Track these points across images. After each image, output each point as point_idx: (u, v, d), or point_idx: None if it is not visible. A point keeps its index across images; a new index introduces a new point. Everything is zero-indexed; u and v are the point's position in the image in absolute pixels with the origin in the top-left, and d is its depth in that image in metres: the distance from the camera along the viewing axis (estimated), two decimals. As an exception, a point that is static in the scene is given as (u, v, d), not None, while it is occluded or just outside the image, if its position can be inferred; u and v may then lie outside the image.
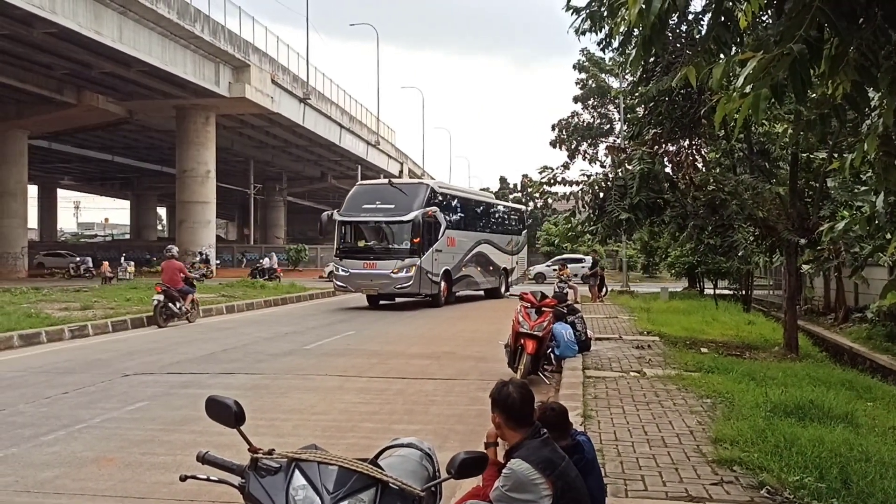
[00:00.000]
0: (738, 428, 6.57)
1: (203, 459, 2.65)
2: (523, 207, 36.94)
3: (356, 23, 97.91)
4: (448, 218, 24.81)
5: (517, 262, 31.72)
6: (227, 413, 2.62)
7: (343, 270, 23.14)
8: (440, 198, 24.57)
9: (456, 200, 26.59)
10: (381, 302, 24.36)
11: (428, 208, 22.89)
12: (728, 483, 5.35)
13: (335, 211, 23.83)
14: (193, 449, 6.30)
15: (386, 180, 25.55)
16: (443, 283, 23.87)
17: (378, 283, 22.58)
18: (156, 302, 17.01)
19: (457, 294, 25.77)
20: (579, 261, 40.27)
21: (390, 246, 22.93)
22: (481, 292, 28.22)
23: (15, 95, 38.12)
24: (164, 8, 32.24)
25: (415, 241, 22.32)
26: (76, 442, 6.93)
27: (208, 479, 2.69)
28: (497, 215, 31.09)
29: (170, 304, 17.27)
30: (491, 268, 28.19)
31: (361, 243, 23.48)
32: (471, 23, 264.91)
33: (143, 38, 32.48)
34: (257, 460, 2.53)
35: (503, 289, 29.12)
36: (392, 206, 22.91)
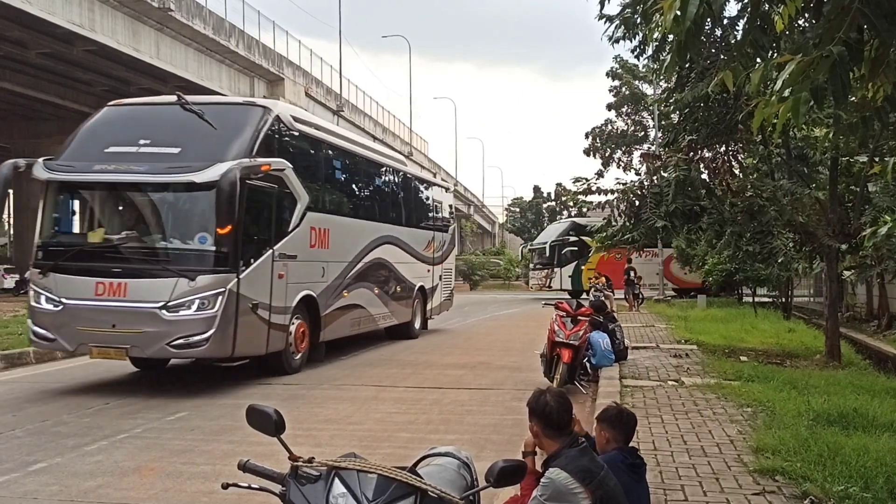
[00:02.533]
0: (780, 437, 6.46)
1: (244, 468, 2.68)
2: (450, 186, 22.55)
3: (388, 35, 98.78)
4: (313, 187, 12.32)
5: (443, 278, 19.60)
6: (267, 422, 2.65)
7: (49, 300, 10.20)
8: (292, 141, 11.85)
9: (329, 152, 13.55)
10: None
11: (261, 160, 10.34)
12: (770, 493, 5.26)
13: (43, 161, 11.01)
14: (232, 458, 6.38)
15: (173, 96, 11.46)
16: (296, 326, 11.64)
17: (129, 332, 9.81)
18: None
19: (329, 341, 13.18)
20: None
21: (162, 244, 10.47)
22: (379, 329, 15.75)
23: (55, 112, 38.94)
24: (200, 24, 32.76)
25: (223, 231, 9.79)
26: (118, 452, 7.03)
27: (249, 488, 2.71)
28: (409, 194, 17.73)
29: None
30: (398, 288, 16.14)
31: (96, 237, 10.76)
32: (502, 34, 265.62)
33: (179, 54, 33.02)
34: (297, 468, 2.55)
35: (418, 323, 17.49)
36: (174, 151, 10.36)
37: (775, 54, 4.76)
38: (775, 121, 3.94)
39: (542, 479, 3.34)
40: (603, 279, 26.08)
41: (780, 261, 13.02)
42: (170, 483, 6.06)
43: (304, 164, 12.22)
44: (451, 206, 21.47)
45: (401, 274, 16.40)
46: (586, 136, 42.96)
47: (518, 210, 79.97)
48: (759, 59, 4.68)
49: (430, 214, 19.27)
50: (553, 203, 69.62)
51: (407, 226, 17.12)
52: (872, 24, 3.48)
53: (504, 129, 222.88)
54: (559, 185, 69.54)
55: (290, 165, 11.22)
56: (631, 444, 4.22)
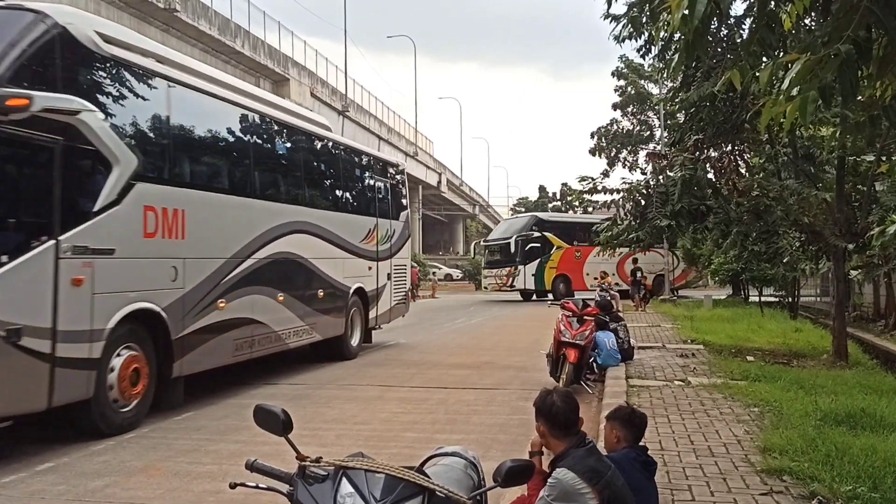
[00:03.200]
0: (788, 437, 6.44)
1: (252, 467, 2.68)
2: (401, 163, 18.07)
3: (393, 35, 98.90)
4: (149, 147, 8.71)
5: (394, 277, 15.83)
6: (275, 421, 2.65)
7: None
8: (101, 71, 8.05)
9: (184, 97, 9.38)
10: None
11: (13, 91, 6.62)
12: (778, 493, 5.24)
13: None
14: (239, 458, 6.40)
15: None
16: (123, 361, 7.93)
17: None
18: None
19: (193, 373, 9.41)
20: None
21: None
22: (288, 348, 11.72)
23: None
24: (206, 24, 32.84)
25: None
26: (125, 451, 7.05)
27: (257, 487, 2.71)
28: (337, 168, 14.10)
29: None
30: (321, 292, 12.47)
31: None
32: (507, 33, 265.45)
33: (184, 55, 33.11)
34: (305, 468, 2.55)
35: (356, 337, 13.88)
36: None
37: (783, 53, 4.74)
38: (783, 120, 3.92)
39: (549, 480, 3.34)
40: (609, 278, 26.02)
41: (786, 260, 12.99)
42: (176, 482, 6.07)
43: (131, 109, 8.33)
44: (402, 187, 17.05)
45: (325, 274, 12.55)
46: (592, 135, 42.90)
47: (523, 210, 79.90)
48: (766, 58, 4.66)
49: (373, 196, 14.98)
50: (559, 202, 69.55)
51: (335, 210, 13.27)
52: (881, 21, 3.46)
53: (509, 129, 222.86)
54: (565, 184, 69.51)
55: (93, 108, 7.49)
56: (646, 446, 4.24)
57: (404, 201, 17.18)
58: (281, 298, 11.14)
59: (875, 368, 12.74)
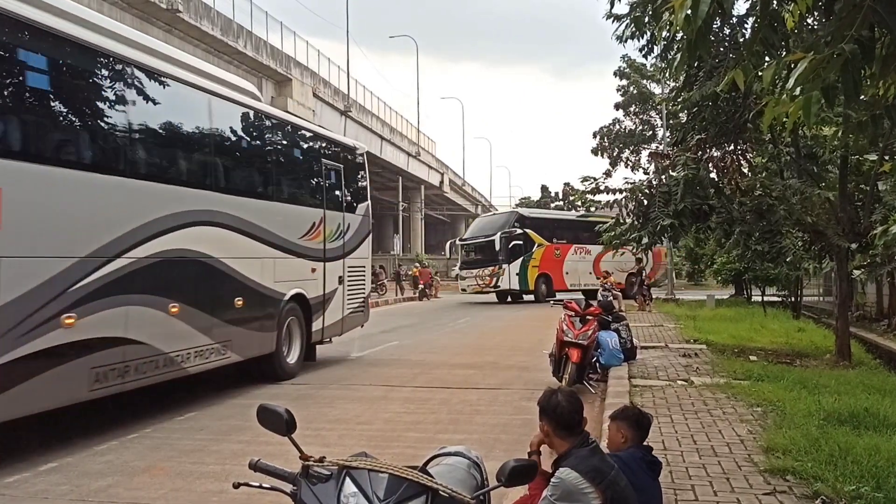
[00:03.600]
0: (791, 437, 6.43)
1: (255, 467, 2.69)
2: (360, 147, 14.80)
3: (396, 35, 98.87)
4: None
5: (349, 280, 13.28)
6: (278, 421, 2.65)
7: None
8: None
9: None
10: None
11: None
12: (781, 493, 5.24)
13: None
14: (242, 458, 6.41)
15: None
16: None
17: None
18: None
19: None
20: None
21: None
22: (187, 373, 9.09)
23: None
24: (208, 25, 32.86)
25: None
26: (128, 451, 7.06)
27: (261, 487, 2.72)
28: (264, 145, 11.55)
29: None
30: (238, 300, 10.04)
31: None
32: (509, 33, 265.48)
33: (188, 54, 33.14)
34: (308, 468, 2.55)
35: (294, 354, 11.60)
36: None
37: (785, 52, 4.74)
38: (785, 120, 3.92)
39: (552, 479, 3.33)
40: (612, 278, 26.00)
41: (789, 260, 12.98)
42: (180, 483, 6.08)
43: None
44: (362, 174, 14.42)
45: (245, 277, 10.15)
46: (594, 135, 42.88)
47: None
48: (769, 58, 4.66)
49: (320, 184, 12.55)
50: (561, 202, 69.48)
51: (263, 198, 10.87)
52: (884, 21, 3.45)
53: (511, 129, 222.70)
54: (567, 184, 69.33)
55: None
56: (651, 446, 4.25)
57: (364, 191, 14.39)
58: (175, 310, 8.60)
59: (878, 368, 12.72)
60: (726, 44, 10.27)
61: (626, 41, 9.64)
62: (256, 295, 10.46)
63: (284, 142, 12.14)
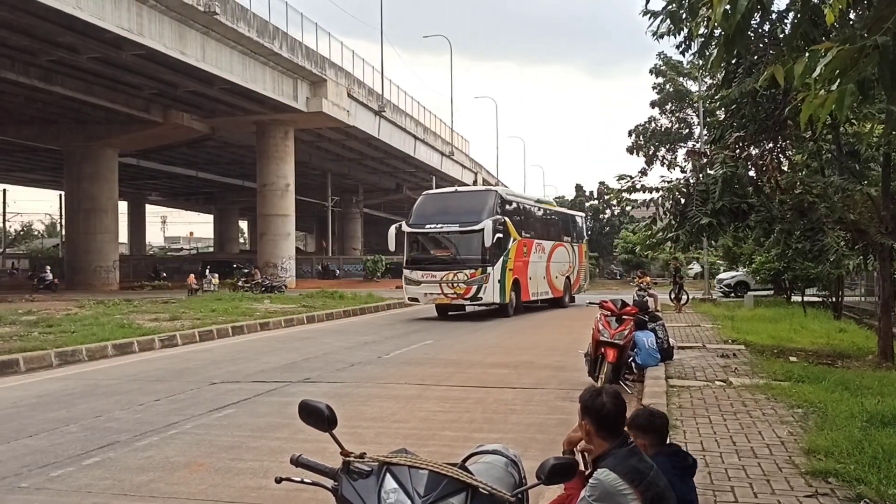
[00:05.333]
0: (833, 438, 6.33)
1: (297, 462, 2.72)
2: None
3: (429, 35, 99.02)
4: None
5: None
6: (319, 417, 2.68)
7: None
8: None
9: None
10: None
11: None
12: (823, 495, 5.16)
13: None
14: (279, 455, 6.49)
15: None
16: None
17: None
18: None
19: None
20: None
21: None
22: None
23: (106, 116, 39.86)
24: (245, 27, 33.23)
25: None
26: (168, 447, 7.17)
27: (302, 482, 2.74)
28: None
29: None
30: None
31: None
32: (543, 32, 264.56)
33: (224, 57, 33.54)
34: (349, 464, 2.58)
35: None
36: None
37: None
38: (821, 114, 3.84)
39: (590, 480, 3.32)
40: (648, 278, 25.76)
41: (830, 259, 12.75)
42: (219, 478, 6.16)
43: None
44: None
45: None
46: (629, 133, 42.45)
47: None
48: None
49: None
50: (596, 202, 69.02)
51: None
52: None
53: (546, 128, 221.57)
54: (602, 183, 68.83)
55: None
56: (678, 445, 4.19)
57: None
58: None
59: (923, 369, 12.44)
60: (765, 40, 10.11)
61: (662, 38, 9.53)
62: None
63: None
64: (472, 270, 22.28)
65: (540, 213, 28.78)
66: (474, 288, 22.27)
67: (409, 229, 23.62)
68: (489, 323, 21.60)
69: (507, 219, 23.68)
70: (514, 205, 25.61)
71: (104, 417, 8.46)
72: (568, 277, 29.82)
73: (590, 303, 11.97)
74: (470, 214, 22.99)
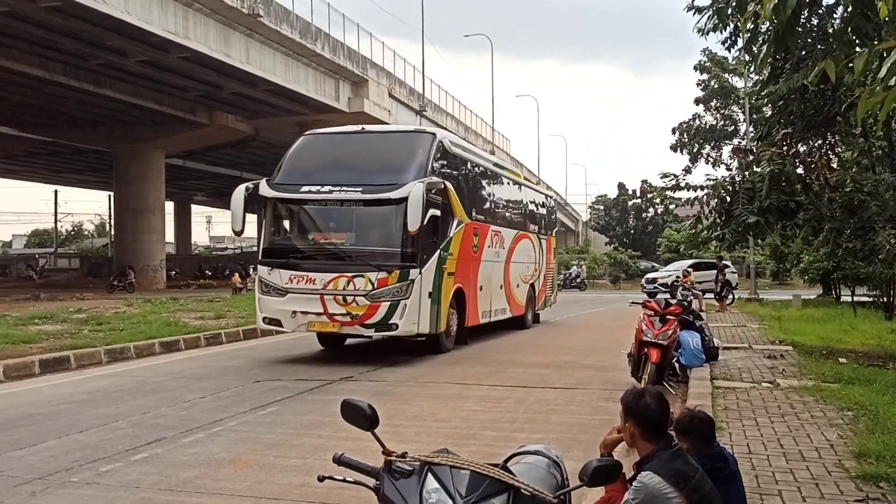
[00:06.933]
0: (885, 442, 6.17)
1: (339, 461, 2.73)
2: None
3: (470, 34, 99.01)
4: None
5: None
6: (361, 416, 2.69)
7: None
8: None
9: None
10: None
11: None
12: (874, 500, 5.03)
13: None
14: (322, 452, 6.53)
15: None
16: None
17: None
18: None
19: None
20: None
21: None
22: None
23: (152, 117, 40.61)
24: (288, 28, 33.56)
25: None
26: (214, 444, 7.27)
27: (345, 480, 2.76)
28: None
29: None
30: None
31: None
32: (585, 29, 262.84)
33: (267, 59, 33.93)
34: (391, 463, 2.58)
35: None
36: None
37: (878, 42, 4.53)
38: (879, 111, 3.75)
39: (634, 483, 3.28)
40: (692, 278, 25.39)
41: (881, 258, 12.43)
42: (262, 475, 6.23)
43: None
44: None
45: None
46: (673, 131, 42.01)
47: (602, 208, 78.94)
48: (860, 48, 4.48)
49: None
50: (638, 200, 68.25)
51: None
52: None
53: (587, 126, 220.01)
54: (645, 181, 68.13)
55: None
56: (722, 446, 4.12)
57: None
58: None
59: (979, 372, 12.07)
60: (814, 34, 9.91)
61: (707, 34, 9.41)
62: None
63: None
64: (383, 274, 12.49)
65: (503, 184, 18.37)
66: (384, 306, 12.45)
67: (272, 193, 13.30)
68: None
69: (449, 185, 13.68)
70: (464, 165, 15.29)
71: (151, 414, 8.62)
72: (532, 286, 19.91)
73: (633, 302, 11.84)
74: (385, 171, 13.13)
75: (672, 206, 30.77)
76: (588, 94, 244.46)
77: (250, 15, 30.51)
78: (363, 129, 15.26)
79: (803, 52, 9.98)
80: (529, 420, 8.44)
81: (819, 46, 9.30)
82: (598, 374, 11.50)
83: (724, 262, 27.75)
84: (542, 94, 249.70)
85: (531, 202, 21.19)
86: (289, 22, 33.79)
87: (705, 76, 40.98)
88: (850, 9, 5.04)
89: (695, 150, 41.14)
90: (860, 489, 5.27)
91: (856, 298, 23.89)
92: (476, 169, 16.26)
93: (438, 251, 13.44)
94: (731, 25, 8.75)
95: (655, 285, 35.95)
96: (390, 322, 12.44)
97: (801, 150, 12.01)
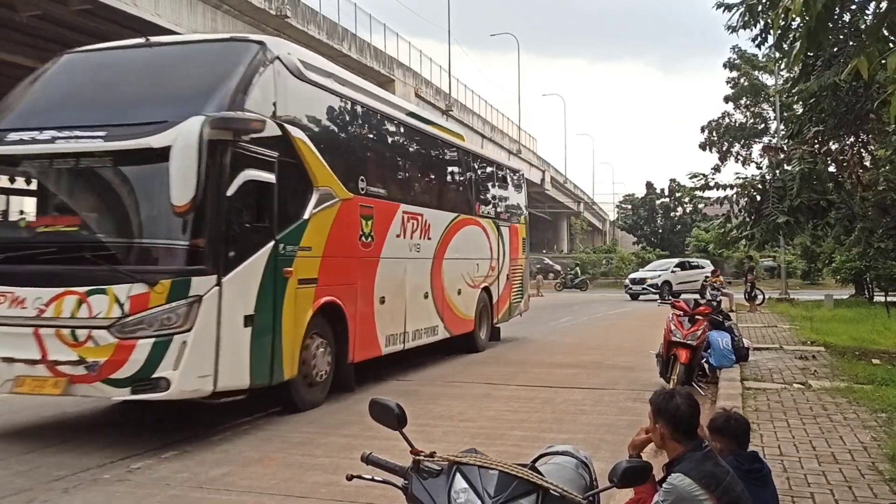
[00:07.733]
0: (920, 445, 6.06)
1: (367, 460, 2.74)
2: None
3: (497, 33, 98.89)
4: None
5: None
6: (390, 415, 2.70)
7: None
8: None
9: None
10: None
11: None
12: (910, 505, 4.94)
13: None
14: (349, 451, 6.56)
15: None
16: None
17: None
18: None
19: None
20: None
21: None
22: None
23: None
24: (315, 29, 33.77)
25: None
26: (242, 442, 7.33)
27: (373, 480, 2.76)
28: None
29: None
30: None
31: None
32: (612, 27, 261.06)
33: (295, 60, 34.15)
34: (419, 462, 2.58)
35: None
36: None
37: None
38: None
39: (664, 485, 3.25)
40: (721, 278, 25.13)
41: (916, 258, 12.24)
42: (290, 473, 6.27)
43: None
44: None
45: None
46: (702, 129, 41.55)
47: (630, 207, 78.28)
48: (893, 45, 4.40)
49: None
50: (667, 199, 67.71)
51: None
52: None
53: (615, 125, 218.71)
54: (673, 180, 67.65)
55: None
56: (752, 449, 4.07)
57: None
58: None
59: None
60: (846, 31, 9.76)
61: (737, 31, 9.31)
62: None
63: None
64: (140, 287, 6.96)
65: (426, 146, 13.00)
66: (142, 346, 6.92)
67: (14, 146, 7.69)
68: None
69: (300, 134, 8.62)
70: (341, 105, 10.04)
71: (181, 412, 8.69)
72: (487, 290, 14.86)
73: (661, 302, 11.75)
74: (157, 105, 7.76)
75: (701, 206, 30.46)
76: (616, 93, 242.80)
77: (278, 16, 30.76)
78: (148, 40, 9.07)
79: (835, 49, 9.84)
80: (557, 420, 8.40)
81: (851, 43, 9.17)
82: (625, 375, 11.41)
83: (752, 262, 27.40)
84: (569, 92, 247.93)
85: (483, 176, 15.41)
86: (316, 23, 34.00)
87: (735, 74, 40.50)
88: (883, 4, 4.96)
89: (724, 149, 40.68)
90: (894, 492, 5.18)
91: (889, 298, 23.51)
92: (369, 115, 10.83)
93: (272, 244, 7.99)
94: (762, 22, 8.65)
95: (644, 286, 32.65)
96: (154, 376, 6.86)
97: (833, 148, 11.83)
